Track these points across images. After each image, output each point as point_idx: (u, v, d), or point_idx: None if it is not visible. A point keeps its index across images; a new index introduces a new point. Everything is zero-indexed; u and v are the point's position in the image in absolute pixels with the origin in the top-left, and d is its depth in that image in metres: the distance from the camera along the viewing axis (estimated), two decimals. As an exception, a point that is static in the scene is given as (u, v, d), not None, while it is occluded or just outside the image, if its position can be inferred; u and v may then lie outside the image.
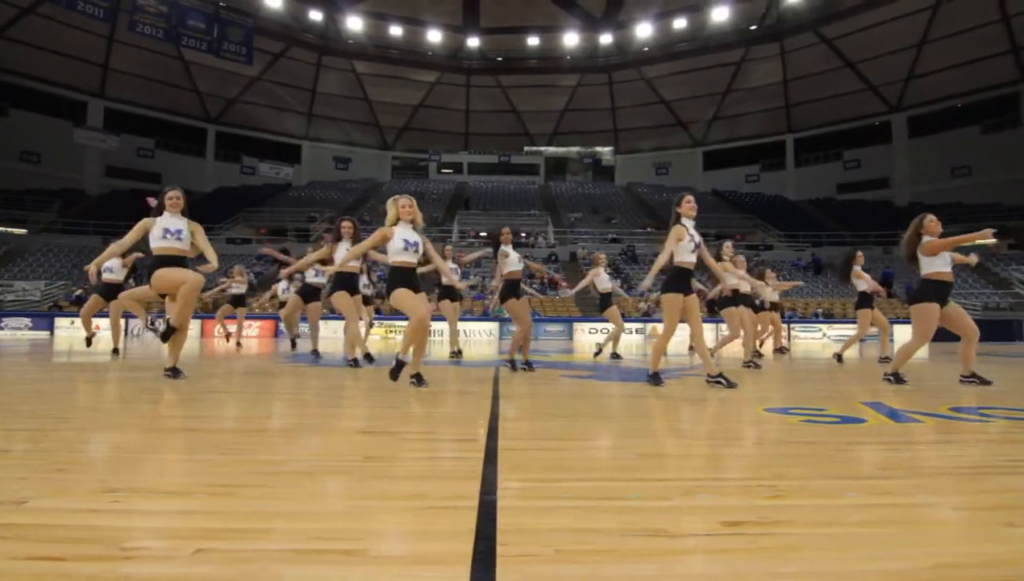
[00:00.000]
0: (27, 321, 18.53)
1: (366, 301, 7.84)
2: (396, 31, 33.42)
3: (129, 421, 3.00)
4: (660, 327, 15.62)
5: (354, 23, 32.68)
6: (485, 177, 39.06)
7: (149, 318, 5.23)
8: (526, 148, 40.40)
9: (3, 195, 25.80)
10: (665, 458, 2.25)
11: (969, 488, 1.84)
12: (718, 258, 6.69)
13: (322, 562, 1.20)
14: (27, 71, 28.11)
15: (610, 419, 3.31)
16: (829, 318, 19.79)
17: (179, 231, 4.85)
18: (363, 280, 8.47)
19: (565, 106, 38.48)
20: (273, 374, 5.76)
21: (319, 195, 34.26)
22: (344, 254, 6.15)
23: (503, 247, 6.08)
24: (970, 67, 28.17)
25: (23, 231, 25.30)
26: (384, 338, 16.16)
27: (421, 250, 4.49)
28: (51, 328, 18.29)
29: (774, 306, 9.44)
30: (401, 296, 4.38)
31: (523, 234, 28.80)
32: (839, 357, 7.71)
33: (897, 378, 4.80)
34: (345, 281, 6.23)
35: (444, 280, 8.19)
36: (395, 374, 4.34)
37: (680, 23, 32.06)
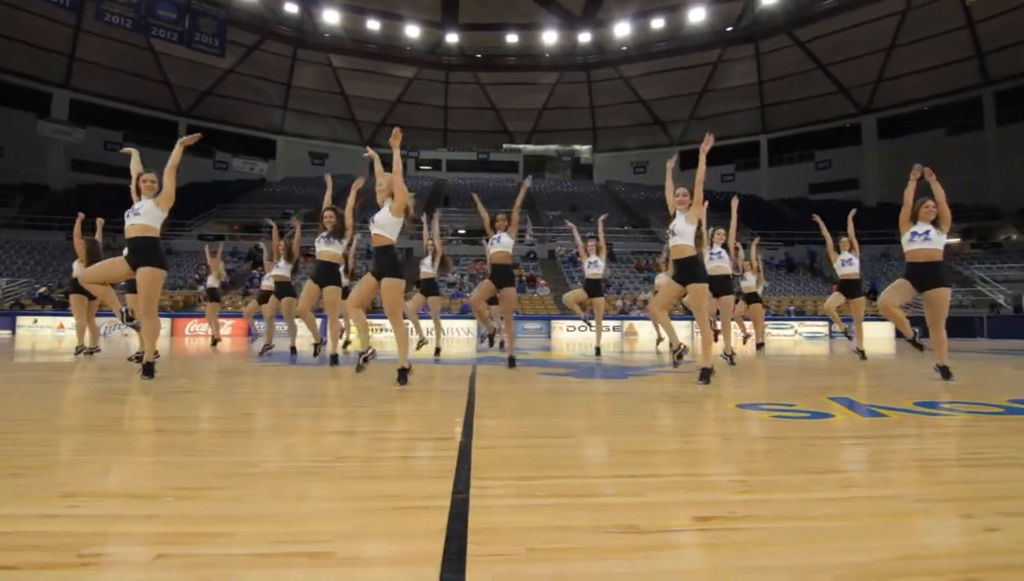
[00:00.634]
0: (-13, 319, 17.88)
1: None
2: (373, 25, 33.05)
3: (93, 422, 2.91)
4: (636, 324, 15.78)
5: (330, 16, 32.23)
6: (464, 174, 38.95)
7: (123, 310, 5.02)
8: (505, 145, 40.38)
9: (-38, 189, 24.86)
10: (639, 454, 2.27)
11: (931, 480, 1.89)
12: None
13: (287, 565, 1.18)
14: (-13, 60, 27.10)
15: (586, 416, 3.32)
16: (801, 315, 20.22)
17: (138, 207, 4.70)
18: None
19: (544, 104, 38.58)
20: (247, 373, 5.65)
21: (295, 191, 33.75)
22: (323, 245, 6.07)
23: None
24: (937, 71, 29.07)
25: (-17, 226, 24.40)
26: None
27: (382, 218, 4.49)
28: (13, 327, 17.68)
29: (757, 298, 9.64)
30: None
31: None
32: (862, 354, 7.49)
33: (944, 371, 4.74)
34: (323, 272, 6.11)
35: (421, 273, 8.15)
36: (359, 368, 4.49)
37: (658, 23, 32.38)
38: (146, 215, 4.67)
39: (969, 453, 2.34)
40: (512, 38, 34.41)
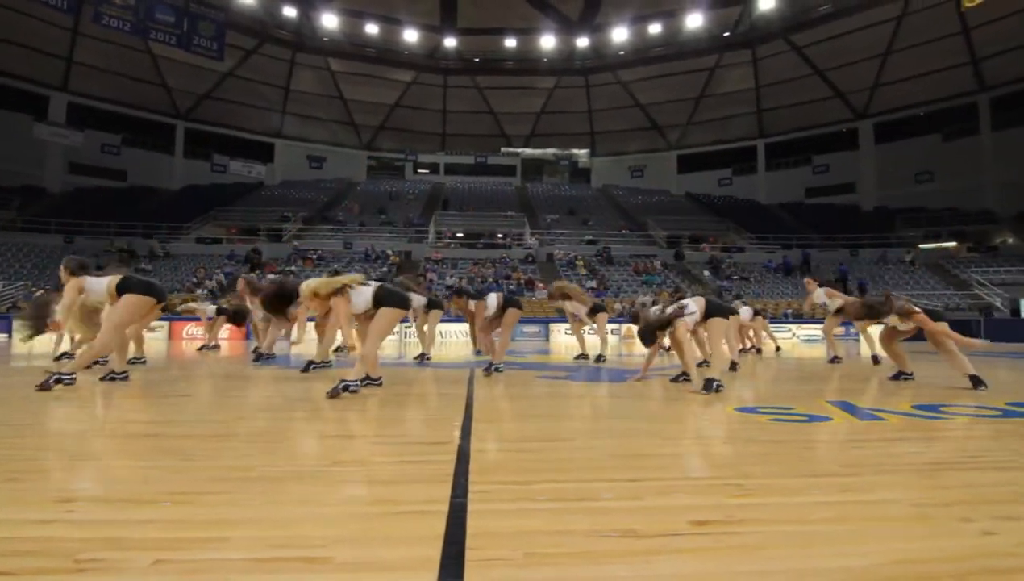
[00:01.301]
0: (-17, 323, 17.79)
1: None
2: (372, 29, 33.09)
3: (89, 427, 2.90)
4: (635, 328, 15.65)
5: (329, 20, 32.27)
6: (462, 178, 38.96)
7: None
8: (503, 149, 40.43)
9: (-42, 192, 24.79)
10: (637, 458, 2.27)
11: (928, 484, 1.89)
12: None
13: (283, 571, 1.17)
14: (-16, 63, 27.07)
15: (584, 420, 3.32)
16: (799, 318, 20.25)
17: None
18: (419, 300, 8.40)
19: (542, 108, 38.65)
20: (243, 378, 5.63)
21: (292, 194, 33.71)
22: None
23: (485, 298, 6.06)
24: (933, 77, 29.21)
25: (-20, 229, 24.31)
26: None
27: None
28: (9, 331, 17.60)
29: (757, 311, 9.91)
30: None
31: (500, 235, 28.82)
32: (876, 358, 7.44)
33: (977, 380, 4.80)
34: None
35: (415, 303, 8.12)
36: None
37: (655, 28, 32.51)
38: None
39: (967, 456, 2.34)
40: (510, 42, 34.49)
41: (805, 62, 32.00)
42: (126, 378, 4.73)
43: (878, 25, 28.84)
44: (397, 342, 15.92)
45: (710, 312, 4.75)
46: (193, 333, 17.51)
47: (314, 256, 23.71)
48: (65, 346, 7.48)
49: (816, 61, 31.70)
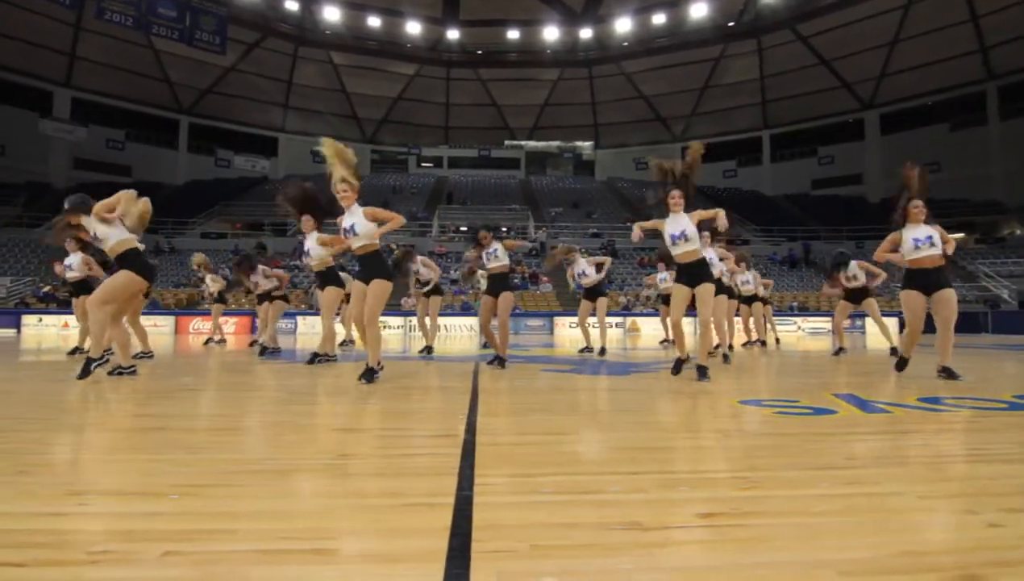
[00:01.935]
0: (-8, 318, 17.96)
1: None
2: (374, 22, 32.98)
3: (97, 421, 2.93)
4: (639, 321, 15.75)
5: (331, 13, 32.17)
6: (465, 171, 38.92)
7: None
8: (506, 142, 40.32)
9: (-35, 188, 24.92)
10: (642, 451, 2.27)
11: (934, 476, 1.89)
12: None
13: (291, 562, 1.18)
14: (-12, 59, 27.14)
15: (589, 413, 3.33)
16: (804, 311, 20.19)
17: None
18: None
19: (545, 100, 38.49)
20: (248, 372, 5.66)
21: (296, 189, 33.71)
22: (313, 246, 6.02)
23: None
24: (940, 66, 28.91)
25: (-13, 225, 24.49)
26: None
27: (361, 229, 4.45)
28: (18, 326, 17.75)
29: (763, 300, 9.83)
30: (352, 289, 4.54)
31: (504, 229, 28.77)
32: (894, 350, 7.22)
33: (900, 363, 4.99)
34: (326, 276, 6.11)
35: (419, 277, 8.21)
36: (366, 377, 4.36)
37: (659, 18, 32.26)
38: (105, 242, 4.59)
39: (973, 449, 2.34)
40: (513, 34, 34.32)
41: (811, 52, 31.72)
42: (134, 372, 4.70)
43: (885, 14, 28.53)
44: (401, 336, 15.97)
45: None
46: (199, 327, 17.62)
47: (318, 250, 23.72)
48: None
49: (822, 51, 31.41)
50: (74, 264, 6.90)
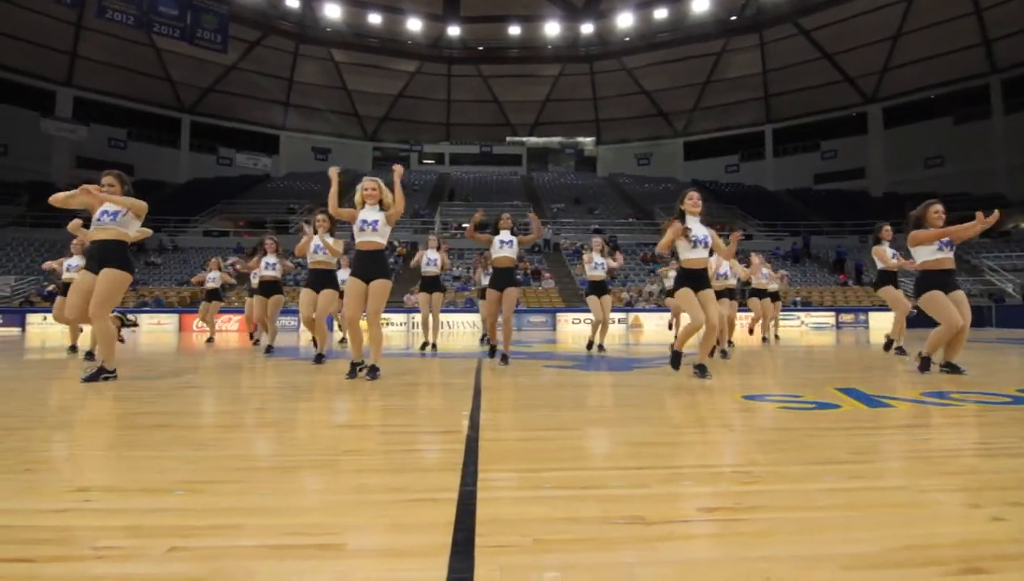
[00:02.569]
0: (-3, 318, 18.04)
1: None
2: (375, 19, 32.91)
3: (101, 418, 2.95)
4: (642, 316, 15.77)
5: (332, 10, 32.11)
6: (467, 168, 38.87)
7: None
8: (508, 138, 40.24)
9: (-32, 188, 25.00)
10: (645, 446, 2.28)
11: (937, 470, 1.89)
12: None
13: (297, 557, 1.19)
14: (-10, 59, 27.17)
15: (592, 409, 3.33)
16: (807, 306, 20.15)
17: (103, 213, 4.44)
18: (342, 275, 8.39)
19: (547, 96, 38.38)
20: (250, 370, 5.68)
21: (298, 186, 33.77)
22: (319, 254, 6.06)
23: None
24: (943, 59, 28.72)
25: (-9, 225, 24.56)
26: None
27: (381, 227, 4.49)
28: (23, 324, 17.82)
29: (772, 295, 9.86)
30: (346, 288, 4.53)
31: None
32: (901, 349, 6.83)
33: (925, 364, 4.76)
34: (320, 276, 6.08)
35: (422, 270, 8.19)
36: (351, 374, 4.38)
37: (661, 13, 32.11)
38: (117, 221, 4.45)
39: (976, 443, 2.33)
40: (514, 30, 34.20)
41: (813, 46, 31.55)
42: (115, 376, 4.35)
43: (888, 7, 28.36)
44: (404, 332, 15.99)
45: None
46: (202, 326, 17.67)
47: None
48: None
49: (825, 45, 31.24)
50: (77, 265, 6.91)
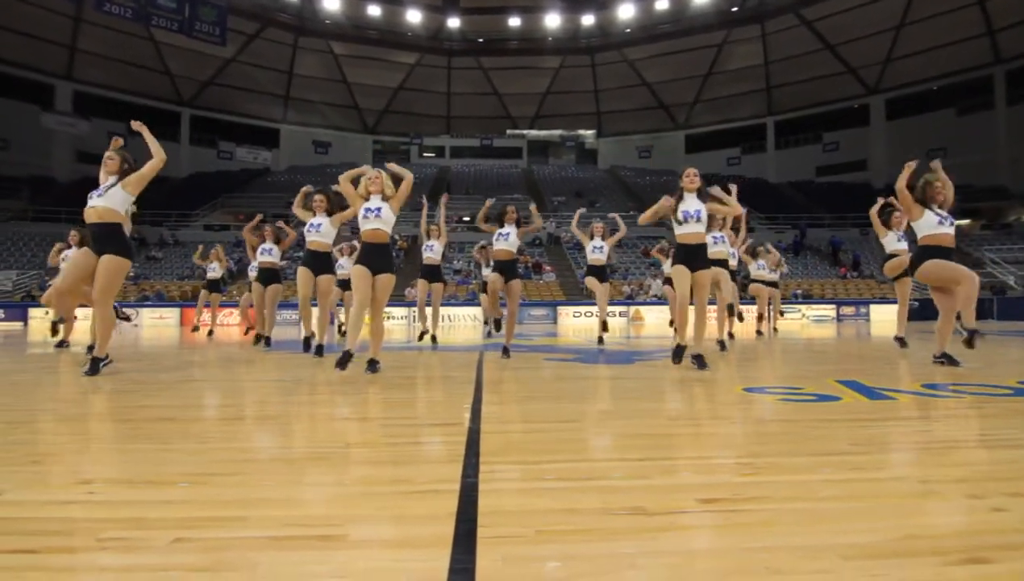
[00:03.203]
0: (-1, 312, 18.08)
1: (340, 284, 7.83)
2: (374, 11, 32.72)
3: (105, 412, 2.96)
4: (643, 310, 15.73)
5: (331, 2, 31.94)
6: (467, 161, 38.75)
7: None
8: (508, 131, 40.07)
9: (-31, 182, 24.97)
10: (645, 438, 2.28)
11: (937, 461, 1.89)
12: None
13: (300, 548, 1.20)
14: (-11, 53, 27.07)
15: (592, 401, 3.34)
16: (808, 298, 20.14)
17: (97, 188, 4.39)
18: (340, 261, 8.38)
19: (547, 88, 38.19)
20: (252, 362, 5.69)
21: (299, 180, 33.62)
22: (313, 234, 5.94)
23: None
24: (946, 50, 28.52)
25: (-8, 220, 24.57)
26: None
27: (386, 215, 4.46)
28: (24, 319, 17.87)
29: (773, 284, 9.84)
30: (352, 274, 4.51)
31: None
32: (901, 341, 6.41)
33: (948, 358, 4.53)
34: (318, 259, 5.97)
35: (423, 258, 8.13)
36: (341, 364, 4.15)
37: (662, 4, 31.91)
38: (107, 199, 4.30)
39: (977, 434, 2.34)
40: (514, 22, 34.00)
41: (816, 37, 31.34)
42: (111, 361, 4.36)
43: (891, -3, 28.15)
44: (405, 326, 16.01)
45: None
46: (205, 319, 17.70)
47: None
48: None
49: (827, 36, 31.02)
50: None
